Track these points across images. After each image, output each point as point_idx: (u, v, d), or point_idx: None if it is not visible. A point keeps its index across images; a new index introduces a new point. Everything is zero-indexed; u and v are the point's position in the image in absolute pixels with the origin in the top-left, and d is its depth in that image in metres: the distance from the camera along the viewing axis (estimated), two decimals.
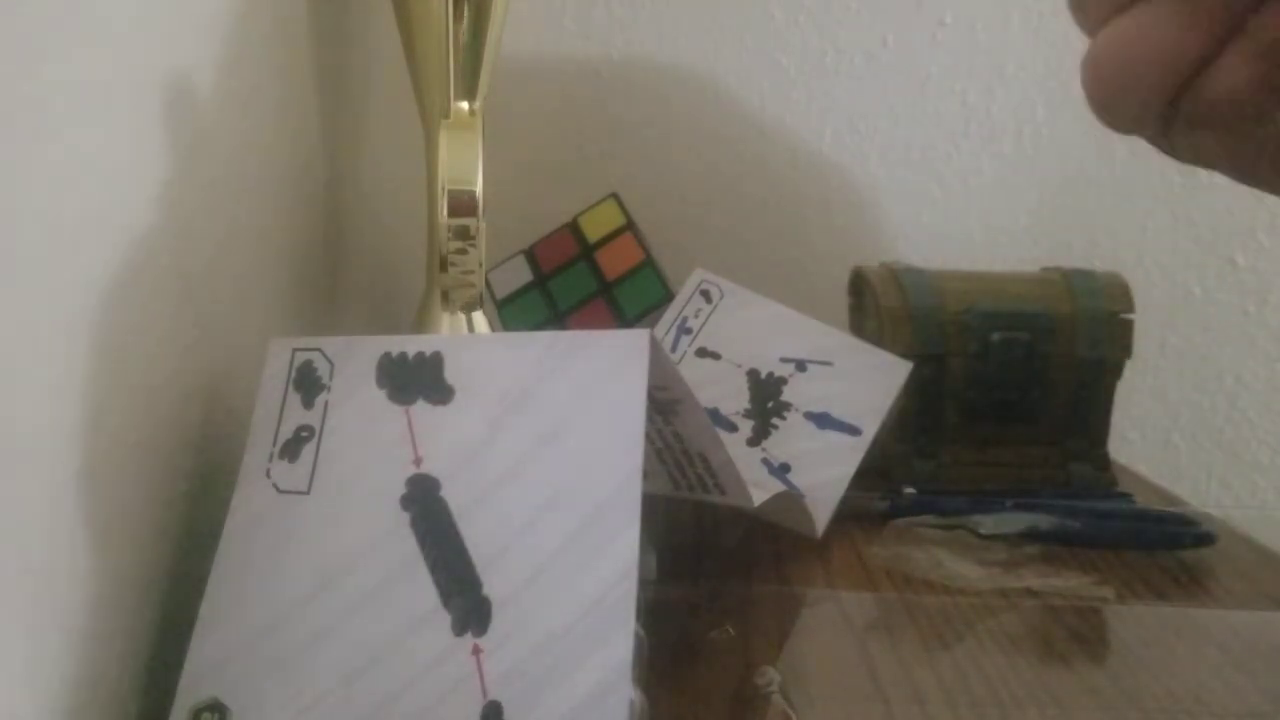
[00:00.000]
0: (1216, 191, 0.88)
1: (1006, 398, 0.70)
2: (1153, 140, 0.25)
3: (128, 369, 0.40)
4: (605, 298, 0.76)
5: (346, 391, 0.41)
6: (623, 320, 0.75)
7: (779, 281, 0.83)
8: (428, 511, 0.38)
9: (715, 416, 0.63)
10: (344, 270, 0.84)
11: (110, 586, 0.39)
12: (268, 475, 0.41)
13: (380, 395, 0.40)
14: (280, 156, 0.65)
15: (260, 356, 0.44)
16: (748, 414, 0.63)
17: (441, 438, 0.39)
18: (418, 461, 0.39)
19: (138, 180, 0.42)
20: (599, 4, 0.85)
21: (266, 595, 0.38)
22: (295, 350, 0.43)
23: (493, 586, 0.36)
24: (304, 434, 0.41)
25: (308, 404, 0.41)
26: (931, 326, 0.69)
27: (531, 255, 0.78)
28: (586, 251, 0.77)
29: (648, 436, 0.37)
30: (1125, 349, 0.70)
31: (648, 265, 0.76)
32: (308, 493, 0.40)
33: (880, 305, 0.70)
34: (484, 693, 0.35)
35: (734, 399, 0.64)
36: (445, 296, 0.58)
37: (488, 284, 0.73)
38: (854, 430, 0.62)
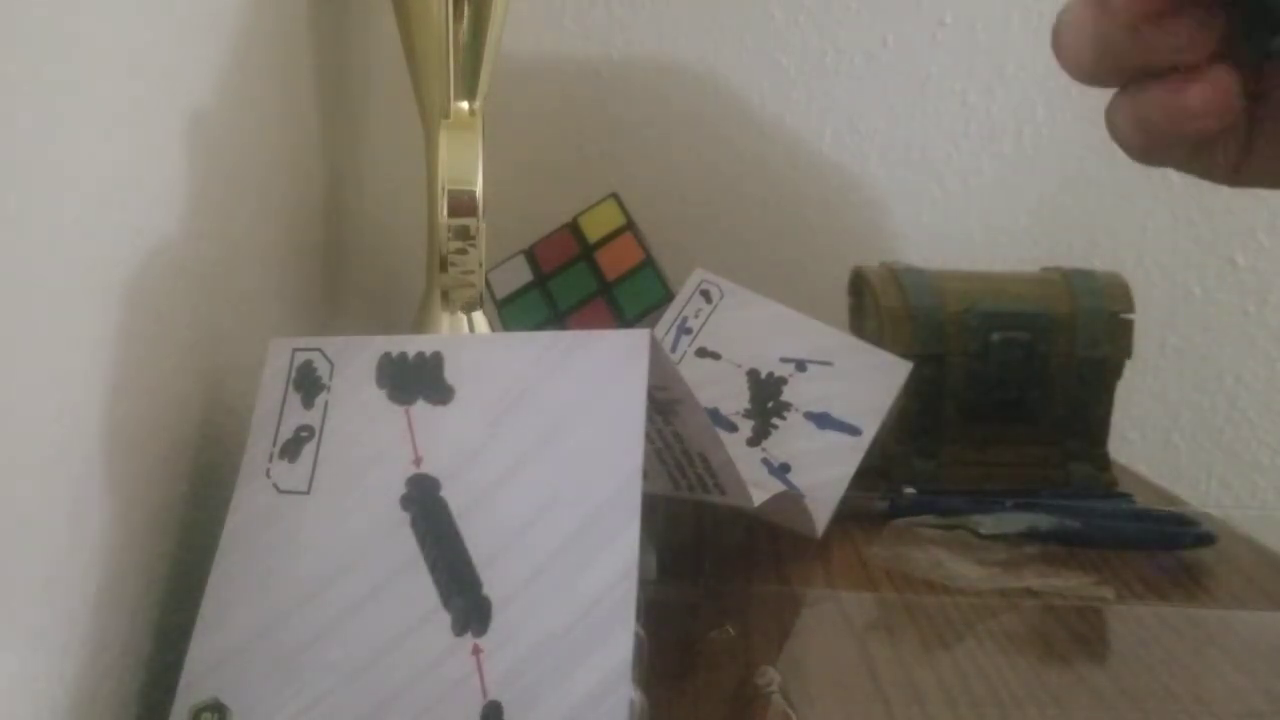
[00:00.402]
0: (1216, 191, 0.88)
1: (1006, 397, 0.70)
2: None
3: (128, 369, 0.40)
4: (605, 298, 0.76)
5: (346, 391, 0.41)
6: (623, 320, 0.75)
7: (779, 281, 0.83)
8: (428, 511, 0.38)
9: (715, 416, 0.63)
10: (344, 270, 0.84)
11: (110, 587, 0.39)
12: (268, 475, 0.41)
13: (380, 395, 0.40)
14: (280, 156, 0.65)
15: (260, 356, 0.44)
16: (748, 414, 0.63)
17: (441, 438, 0.39)
18: (418, 461, 0.39)
19: (137, 180, 0.42)
20: (599, 4, 0.85)
21: (266, 595, 0.38)
22: (295, 350, 0.43)
23: (493, 586, 0.36)
24: (304, 434, 0.41)
25: (308, 404, 0.41)
26: (931, 326, 0.69)
27: (531, 255, 0.78)
28: (586, 251, 0.77)
29: (648, 436, 0.37)
30: (1125, 349, 0.70)
31: (648, 265, 0.76)
32: (308, 493, 0.40)
33: (880, 305, 0.70)
34: (484, 693, 0.35)
35: (734, 399, 0.64)
36: (445, 296, 0.58)
37: (488, 284, 0.73)
38: (854, 430, 0.62)
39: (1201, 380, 0.91)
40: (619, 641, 0.34)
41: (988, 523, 0.61)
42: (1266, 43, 0.26)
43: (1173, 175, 0.88)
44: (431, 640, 0.36)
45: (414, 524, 0.38)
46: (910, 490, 0.67)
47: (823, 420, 0.63)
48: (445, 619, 0.36)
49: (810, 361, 0.65)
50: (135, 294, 0.41)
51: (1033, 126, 0.87)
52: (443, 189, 0.56)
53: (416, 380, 0.40)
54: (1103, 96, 0.88)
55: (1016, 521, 0.61)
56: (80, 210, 0.37)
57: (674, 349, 0.66)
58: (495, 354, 0.40)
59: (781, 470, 0.61)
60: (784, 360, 0.65)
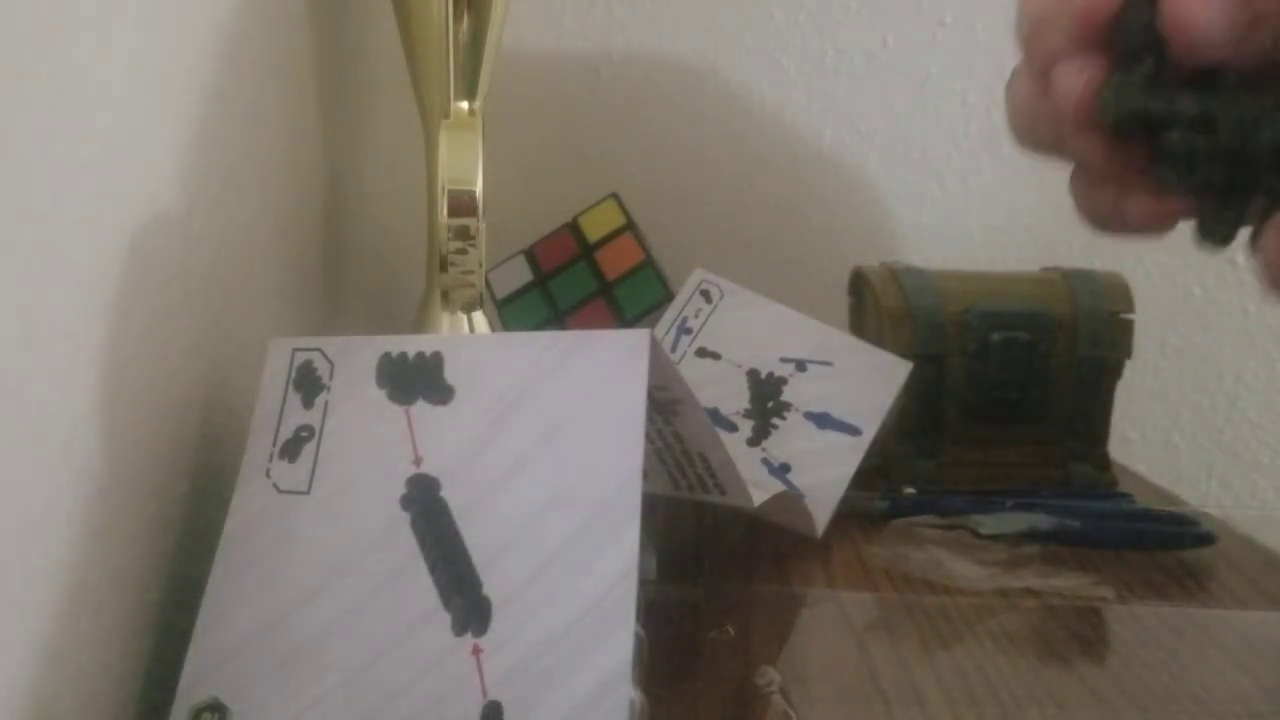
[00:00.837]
0: None
1: (1006, 398, 0.69)
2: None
3: (128, 369, 0.40)
4: (605, 298, 0.76)
5: (346, 391, 0.41)
6: (623, 320, 0.75)
7: (779, 281, 0.83)
8: (428, 511, 0.38)
9: (715, 416, 0.63)
10: (344, 270, 0.84)
11: (111, 586, 0.39)
12: (268, 475, 0.41)
13: (380, 395, 0.40)
14: (280, 156, 0.65)
15: (260, 356, 0.44)
16: (748, 414, 0.63)
17: (441, 438, 0.39)
18: (418, 461, 0.39)
19: (138, 180, 0.42)
20: (599, 4, 0.85)
21: (266, 595, 0.38)
22: (295, 350, 0.43)
23: (493, 586, 0.36)
24: (304, 434, 0.41)
25: (308, 404, 0.41)
26: (931, 326, 0.69)
27: (531, 255, 0.78)
28: (586, 251, 0.77)
29: (648, 436, 0.37)
30: (1125, 349, 0.70)
31: (648, 265, 0.76)
32: (308, 493, 0.40)
33: (880, 305, 0.70)
34: (484, 693, 0.35)
35: (734, 399, 0.64)
36: (445, 296, 0.58)
37: (488, 284, 0.73)
38: (854, 430, 0.62)
39: (1201, 380, 0.91)
40: (619, 641, 0.34)
41: (988, 523, 0.61)
42: (1219, 230, 0.27)
43: None
44: (431, 640, 0.36)
45: (414, 524, 0.38)
46: (910, 490, 0.67)
47: (823, 420, 0.63)
48: (445, 619, 0.36)
49: (810, 361, 0.64)
50: (135, 294, 0.41)
51: None
52: (443, 189, 0.56)
53: (416, 380, 0.40)
54: None
55: (1016, 521, 0.61)
56: (80, 210, 0.37)
57: (674, 349, 0.66)
58: (495, 354, 0.40)
59: (781, 470, 0.61)
60: (784, 360, 0.65)
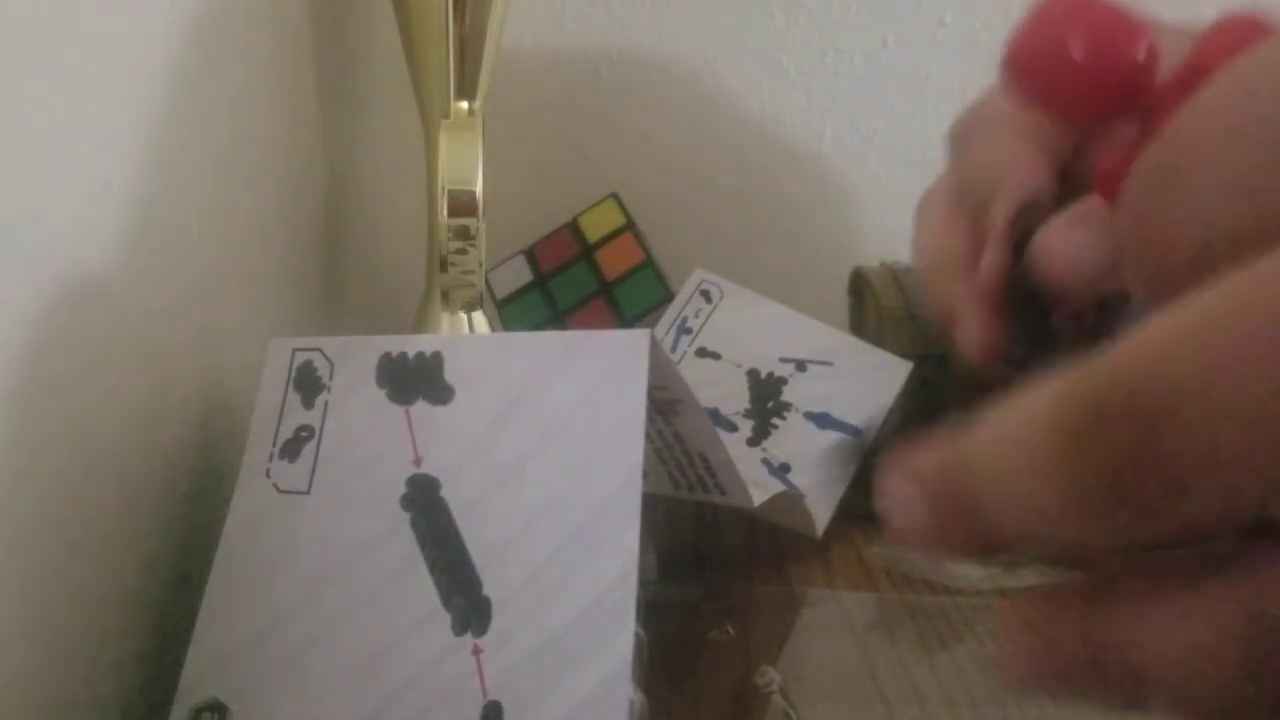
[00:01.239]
0: None
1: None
2: None
3: (127, 369, 0.40)
4: (605, 298, 0.76)
5: (346, 391, 0.41)
6: (623, 320, 0.75)
7: (779, 281, 0.83)
8: (428, 512, 0.38)
9: (715, 416, 0.63)
10: (344, 270, 0.84)
11: (111, 586, 0.39)
12: (268, 475, 0.41)
13: (380, 395, 0.40)
14: (280, 156, 0.65)
15: (260, 356, 0.44)
16: (747, 414, 0.63)
17: (442, 438, 0.39)
18: (418, 461, 0.39)
19: (137, 180, 0.42)
20: (599, 4, 0.85)
21: (266, 595, 0.38)
22: (295, 350, 0.43)
23: (493, 586, 0.36)
24: (304, 434, 0.41)
25: (308, 404, 0.41)
26: (932, 326, 0.69)
27: (531, 255, 0.78)
28: (586, 251, 0.77)
29: (647, 437, 0.37)
30: None
31: (648, 265, 0.76)
32: (308, 493, 0.40)
33: (880, 305, 0.70)
34: (484, 693, 0.35)
35: (734, 399, 0.64)
36: (445, 296, 0.58)
37: (488, 284, 0.73)
38: (854, 430, 0.62)
39: None
40: (619, 641, 0.34)
41: None
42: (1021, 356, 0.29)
43: None
44: (431, 640, 0.36)
45: (414, 524, 0.38)
46: None
47: (823, 420, 0.63)
48: (445, 619, 0.36)
49: (810, 361, 0.64)
50: (135, 294, 0.41)
51: None
52: (443, 189, 0.56)
53: (416, 380, 0.40)
54: None
55: None
56: (80, 210, 0.37)
57: (674, 349, 0.66)
58: (495, 354, 0.40)
59: (781, 470, 0.61)
60: (784, 360, 0.65)
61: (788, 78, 0.87)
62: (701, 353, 0.66)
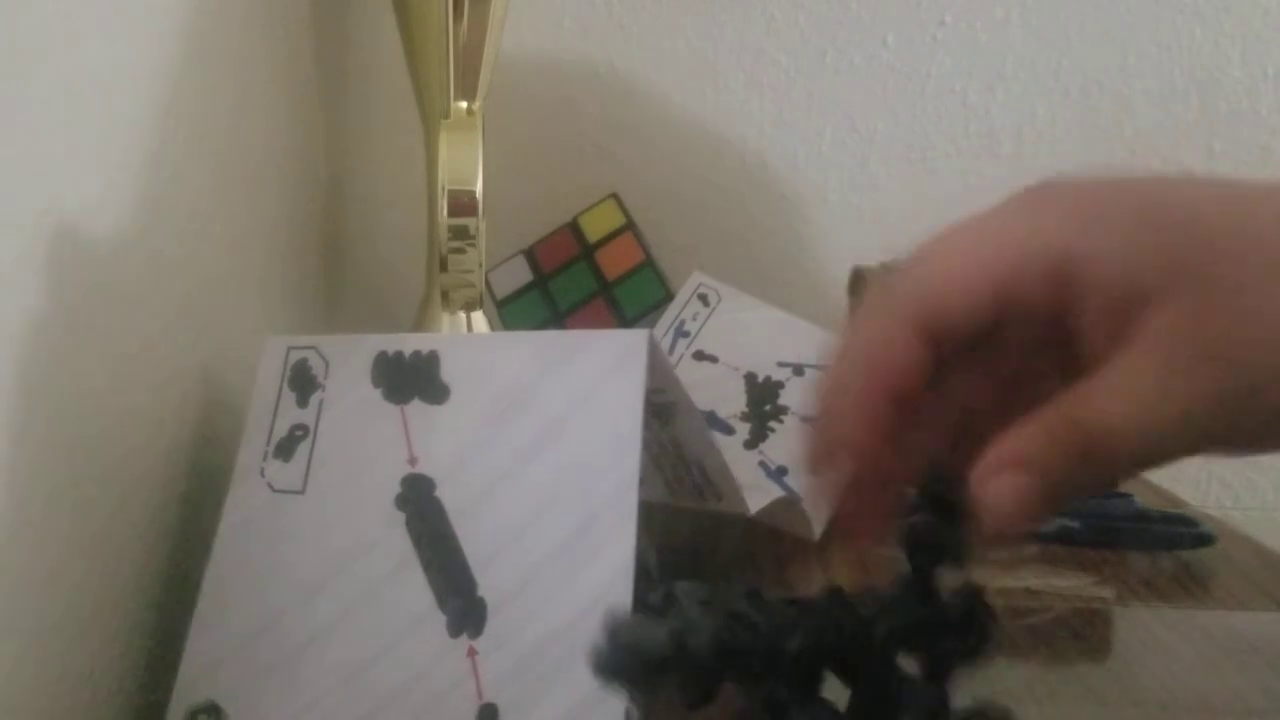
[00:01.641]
0: None
1: None
2: None
3: (126, 368, 0.40)
4: (605, 298, 0.76)
5: (341, 390, 0.41)
6: (622, 320, 0.75)
7: (779, 281, 0.83)
8: (423, 512, 0.38)
9: (712, 419, 0.63)
10: (343, 270, 0.84)
11: (108, 587, 0.39)
12: (262, 474, 0.41)
13: (375, 394, 0.40)
14: (280, 156, 0.65)
15: (258, 356, 0.44)
16: (745, 417, 0.63)
17: (437, 437, 0.39)
18: (413, 461, 0.39)
19: (137, 180, 0.42)
20: (599, 4, 0.85)
21: (261, 596, 0.38)
22: (290, 349, 0.43)
23: (489, 588, 0.36)
24: (298, 433, 0.41)
25: (302, 403, 0.41)
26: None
27: (531, 255, 0.77)
28: (586, 251, 0.77)
29: (644, 442, 0.37)
30: None
31: (648, 265, 0.76)
32: (302, 492, 0.40)
33: None
34: (479, 695, 0.34)
35: (731, 402, 0.64)
36: (445, 296, 0.58)
37: (488, 284, 0.73)
38: None
39: None
40: None
41: None
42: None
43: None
44: (427, 642, 0.36)
45: (409, 524, 0.38)
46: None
47: None
48: (441, 620, 0.36)
49: (808, 365, 0.64)
50: (134, 293, 0.41)
51: (1033, 126, 0.87)
52: (443, 189, 0.56)
53: (412, 379, 0.40)
54: (1100, 96, 0.88)
55: None
56: (79, 209, 0.37)
57: (671, 352, 0.66)
58: (492, 353, 0.40)
59: (779, 473, 0.61)
60: (781, 364, 0.65)
61: (788, 78, 0.87)
62: (699, 356, 0.66)
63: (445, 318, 0.62)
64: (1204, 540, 0.60)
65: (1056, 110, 0.87)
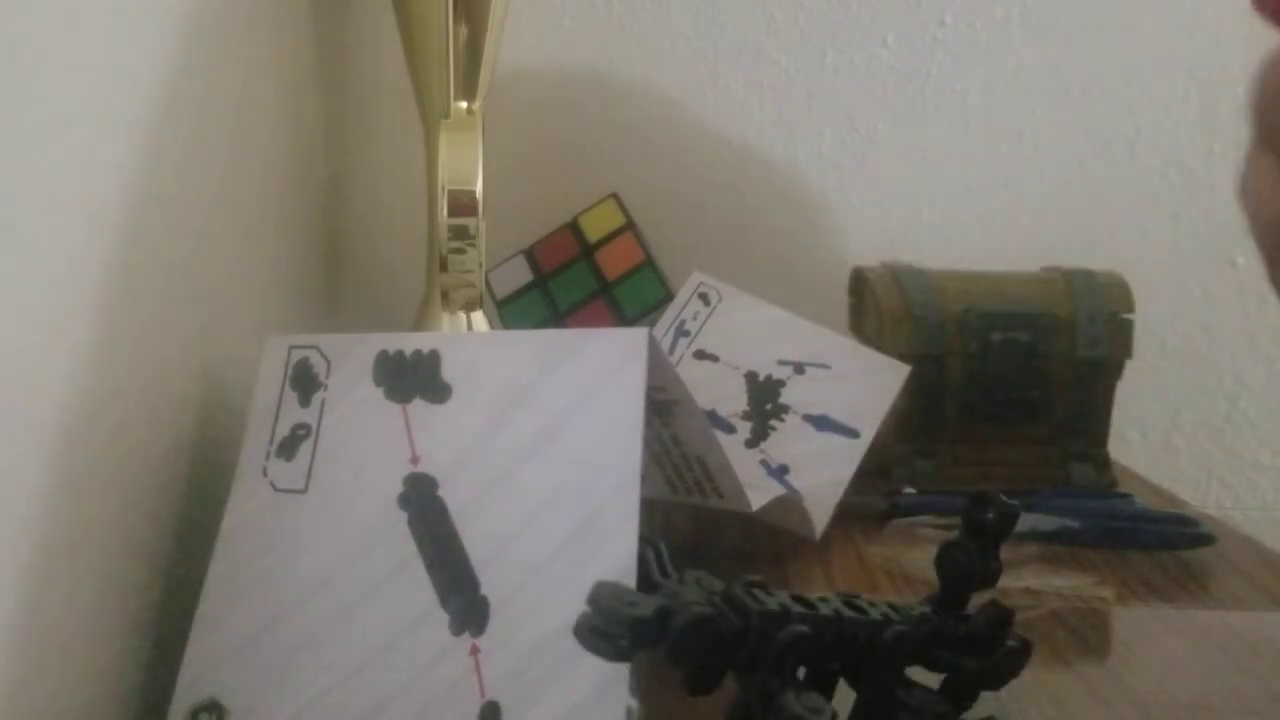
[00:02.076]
0: (1216, 191, 0.88)
1: (1006, 397, 0.69)
2: None
3: (126, 368, 0.40)
4: (605, 298, 0.76)
5: (343, 390, 0.41)
6: (623, 320, 0.75)
7: (779, 281, 0.83)
8: (425, 511, 0.38)
9: (713, 418, 0.63)
10: (344, 270, 0.84)
11: (109, 586, 0.39)
12: (264, 474, 0.41)
13: (377, 394, 0.40)
14: (280, 156, 0.65)
15: (260, 356, 0.44)
16: (746, 416, 0.63)
17: (439, 436, 0.39)
18: (415, 460, 0.39)
19: (137, 180, 0.42)
20: (599, 4, 0.85)
21: (264, 595, 0.38)
22: (292, 348, 0.43)
23: (491, 586, 0.36)
24: (301, 432, 0.41)
25: (304, 402, 0.41)
26: (931, 326, 0.69)
27: (531, 255, 0.78)
28: (586, 251, 0.77)
29: (645, 440, 0.37)
30: (1125, 349, 0.70)
31: (648, 265, 0.76)
32: (305, 491, 0.40)
33: (880, 305, 0.70)
34: (482, 693, 0.34)
35: (732, 401, 0.64)
36: (445, 296, 0.58)
37: (488, 284, 0.73)
38: (852, 433, 0.62)
39: (1201, 380, 0.91)
40: None
41: None
42: None
43: (1172, 175, 0.88)
44: (429, 640, 0.36)
45: (411, 523, 0.38)
46: (910, 490, 0.67)
47: (821, 422, 0.63)
48: (443, 619, 0.36)
49: (808, 364, 0.64)
50: (134, 293, 0.41)
51: (1033, 126, 0.87)
52: (443, 189, 0.56)
53: (414, 378, 0.40)
54: (1100, 96, 0.88)
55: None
56: (79, 209, 0.37)
57: (672, 351, 0.66)
58: (493, 352, 0.40)
59: (780, 472, 0.61)
60: (782, 363, 0.65)
61: (788, 78, 0.87)
62: (700, 355, 0.66)
63: (445, 318, 0.62)
64: (1204, 540, 0.60)
65: (1056, 110, 0.87)
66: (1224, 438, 0.92)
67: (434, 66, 0.61)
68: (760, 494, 0.51)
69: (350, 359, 0.41)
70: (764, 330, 0.66)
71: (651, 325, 0.69)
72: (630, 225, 0.76)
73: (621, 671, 0.33)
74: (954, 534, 0.40)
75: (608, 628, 0.26)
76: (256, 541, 0.40)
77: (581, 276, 0.77)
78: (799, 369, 0.64)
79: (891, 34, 0.86)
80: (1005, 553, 0.58)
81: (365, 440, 0.40)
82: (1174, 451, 0.92)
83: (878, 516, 0.63)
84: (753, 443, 0.62)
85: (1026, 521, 0.60)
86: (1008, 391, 0.69)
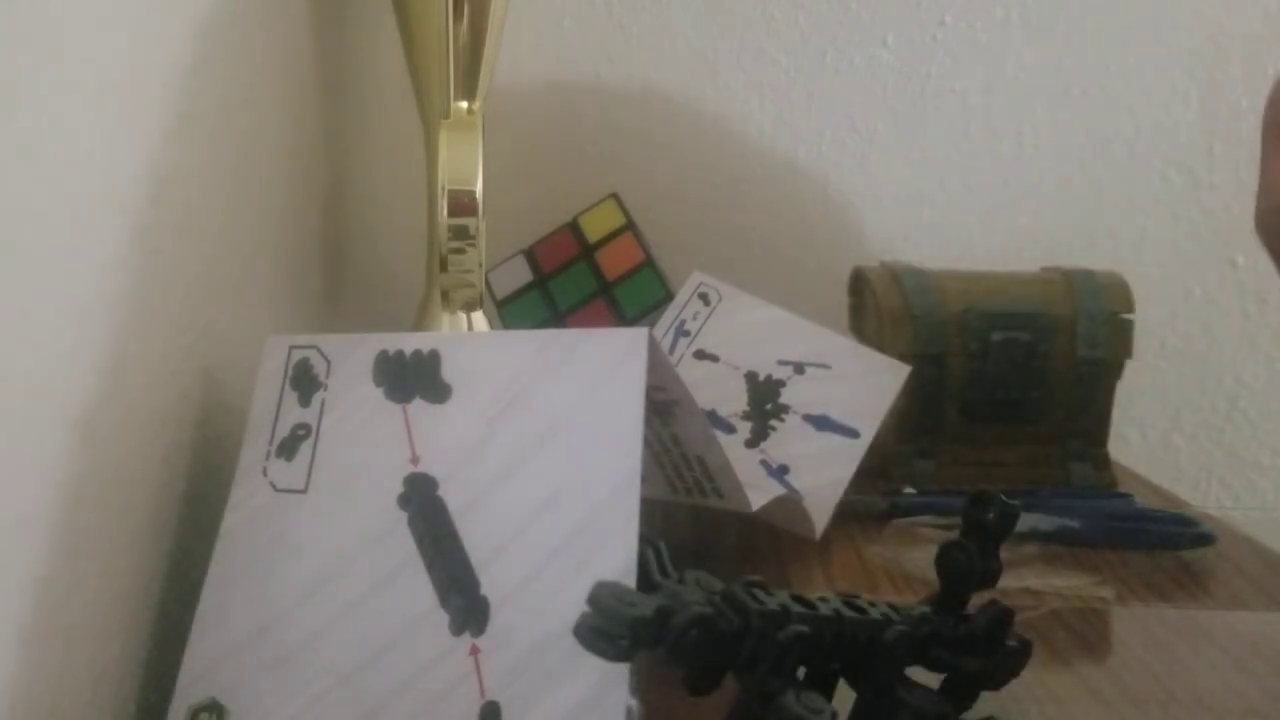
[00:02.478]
0: (1216, 192, 0.88)
1: (1006, 398, 0.69)
2: None
3: (127, 369, 0.40)
4: (605, 298, 0.76)
5: (343, 390, 0.41)
6: (623, 320, 0.75)
7: (779, 281, 0.83)
8: (425, 510, 0.38)
9: (714, 418, 0.63)
10: (344, 270, 0.84)
11: (109, 586, 0.39)
12: (265, 474, 0.41)
13: (377, 394, 0.40)
14: (281, 156, 0.65)
15: (259, 356, 0.44)
16: (746, 416, 0.63)
17: (439, 436, 0.39)
18: (415, 460, 0.39)
19: (138, 180, 0.42)
20: (599, 4, 0.85)
21: (263, 595, 0.38)
22: (292, 348, 0.43)
23: (491, 586, 0.36)
24: (301, 432, 0.41)
25: (304, 402, 0.41)
26: (931, 326, 0.69)
27: (531, 255, 0.78)
28: (586, 251, 0.77)
29: (645, 440, 0.37)
30: (1125, 349, 0.70)
31: (648, 265, 0.76)
32: (305, 491, 0.40)
33: (880, 305, 0.70)
34: (482, 693, 0.34)
35: (732, 401, 0.64)
36: (445, 296, 0.58)
37: (488, 284, 0.73)
38: (852, 433, 0.62)
39: (1201, 380, 0.91)
40: None
41: None
42: None
43: (1173, 175, 0.88)
44: (429, 640, 0.36)
45: (411, 523, 0.38)
46: (910, 490, 0.67)
47: (821, 422, 0.63)
48: (443, 619, 0.36)
49: (808, 364, 0.64)
50: (134, 294, 0.41)
51: (1033, 126, 0.87)
52: (443, 189, 0.56)
53: (414, 378, 0.40)
54: (1100, 96, 0.88)
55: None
56: (80, 211, 0.37)
57: (672, 351, 0.66)
58: (493, 352, 0.40)
59: (780, 472, 0.61)
60: (782, 363, 0.65)
61: (788, 78, 0.87)
62: (700, 355, 0.66)
63: (445, 318, 0.62)
64: (1204, 540, 0.60)
65: (1056, 110, 0.87)
66: (1224, 438, 0.92)
67: (434, 66, 0.61)
68: (760, 494, 0.51)
69: (350, 359, 0.41)
70: (764, 330, 0.66)
71: (651, 325, 0.69)
72: (630, 225, 0.76)
73: (621, 671, 0.33)
74: (954, 534, 0.40)
75: (608, 628, 0.26)
76: (256, 542, 0.40)
77: (581, 276, 0.77)
78: (799, 369, 0.64)
79: (891, 34, 0.86)
80: (1005, 553, 0.58)
81: (365, 440, 0.40)
82: (1174, 451, 0.92)
83: (878, 516, 0.63)
84: (753, 443, 0.62)
85: (1026, 521, 0.60)
86: (1008, 391, 0.69)
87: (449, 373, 0.40)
